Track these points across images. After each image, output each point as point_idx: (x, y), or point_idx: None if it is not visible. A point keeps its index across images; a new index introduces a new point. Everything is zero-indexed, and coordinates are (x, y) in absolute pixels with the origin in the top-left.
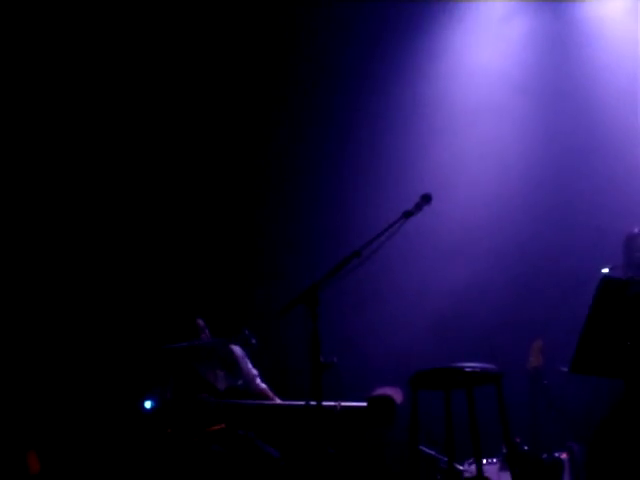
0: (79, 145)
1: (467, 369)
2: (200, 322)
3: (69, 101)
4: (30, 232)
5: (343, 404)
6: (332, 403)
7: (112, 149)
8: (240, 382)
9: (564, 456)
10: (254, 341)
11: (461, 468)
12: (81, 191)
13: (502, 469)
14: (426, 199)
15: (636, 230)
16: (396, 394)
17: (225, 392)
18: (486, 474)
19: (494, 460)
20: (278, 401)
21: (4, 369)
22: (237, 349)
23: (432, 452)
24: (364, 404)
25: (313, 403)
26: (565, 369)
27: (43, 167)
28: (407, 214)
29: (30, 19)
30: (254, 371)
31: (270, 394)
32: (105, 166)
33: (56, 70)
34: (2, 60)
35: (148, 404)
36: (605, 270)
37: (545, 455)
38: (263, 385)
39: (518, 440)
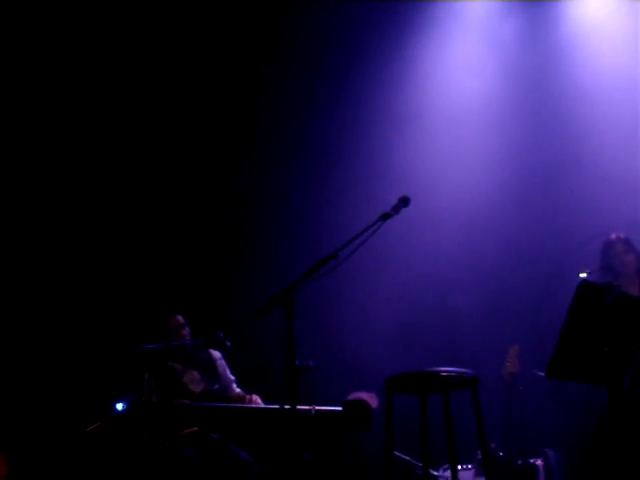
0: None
1: (443, 373)
2: (180, 318)
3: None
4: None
5: (318, 408)
6: (307, 407)
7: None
8: (217, 386)
9: (539, 462)
10: (229, 344)
11: (436, 474)
12: (48, 191)
13: (477, 475)
14: (404, 202)
15: (614, 236)
16: (371, 399)
17: (200, 395)
18: None
19: (469, 466)
20: (255, 400)
21: None
22: (216, 353)
23: (407, 457)
24: (339, 408)
25: (288, 407)
26: (542, 374)
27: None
28: (385, 216)
29: (22, 18)
30: (231, 377)
31: (246, 398)
32: (77, 168)
33: (47, 69)
34: (1, 60)
35: (120, 406)
36: (583, 275)
37: (520, 461)
38: (238, 390)
39: (493, 446)
